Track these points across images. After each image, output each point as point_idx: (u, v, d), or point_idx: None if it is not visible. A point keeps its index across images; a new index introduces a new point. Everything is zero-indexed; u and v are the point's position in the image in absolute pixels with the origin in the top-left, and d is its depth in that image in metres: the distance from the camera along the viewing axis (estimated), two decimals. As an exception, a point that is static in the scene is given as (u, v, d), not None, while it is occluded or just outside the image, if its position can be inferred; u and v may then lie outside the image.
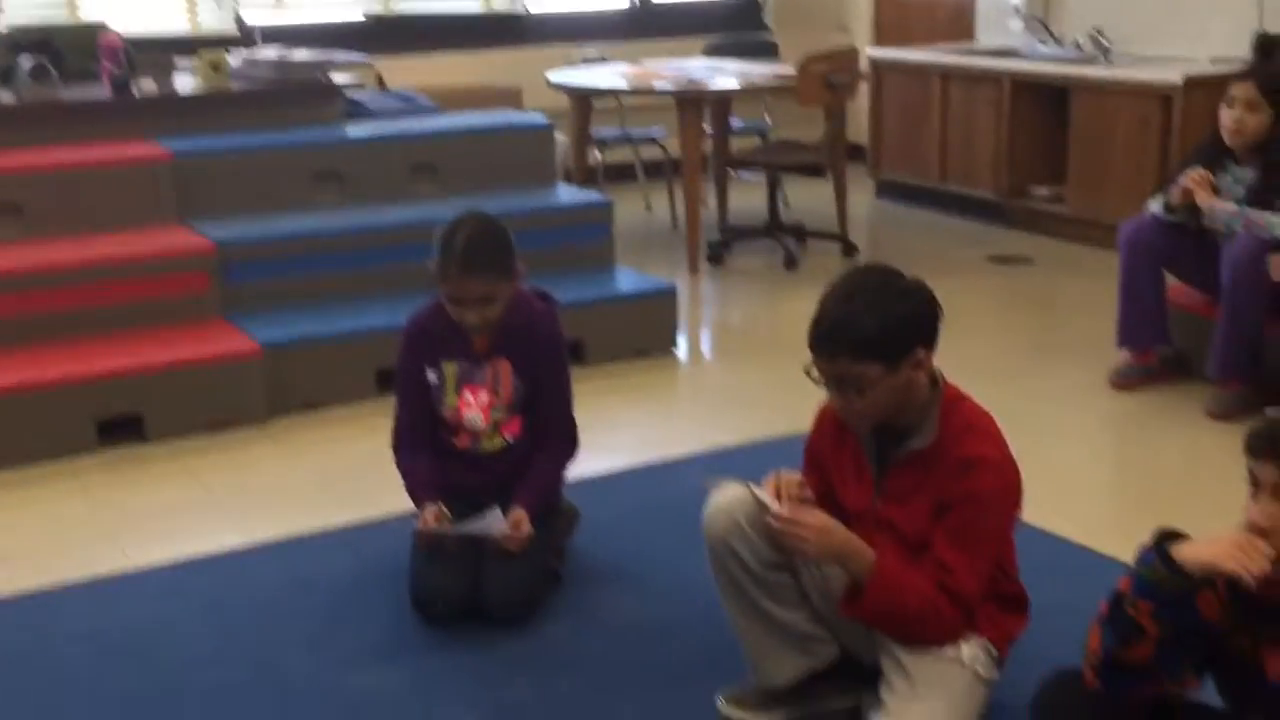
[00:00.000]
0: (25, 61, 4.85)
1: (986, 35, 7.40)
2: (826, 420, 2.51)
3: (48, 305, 4.23)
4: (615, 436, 4.09)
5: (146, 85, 5.03)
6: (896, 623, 2.33)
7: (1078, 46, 6.71)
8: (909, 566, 2.33)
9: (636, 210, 7.13)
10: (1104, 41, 6.51)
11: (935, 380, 2.38)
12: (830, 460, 2.50)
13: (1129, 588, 1.90)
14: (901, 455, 2.38)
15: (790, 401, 4.29)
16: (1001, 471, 2.34)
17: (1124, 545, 3.21)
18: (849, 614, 2.37)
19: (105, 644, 2.93)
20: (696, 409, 4.48)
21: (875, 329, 2.27)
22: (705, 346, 5.27)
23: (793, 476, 2.41)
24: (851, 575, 2.33)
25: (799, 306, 5.50)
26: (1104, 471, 3.98)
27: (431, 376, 3.09)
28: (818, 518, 2.31)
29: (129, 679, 2.79)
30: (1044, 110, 6.63)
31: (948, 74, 6.92)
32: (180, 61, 5.29)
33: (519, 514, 2.97)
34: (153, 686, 2.76)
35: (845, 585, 2.38)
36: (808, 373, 2.35)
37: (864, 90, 7.04)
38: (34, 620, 3.04)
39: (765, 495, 2.35)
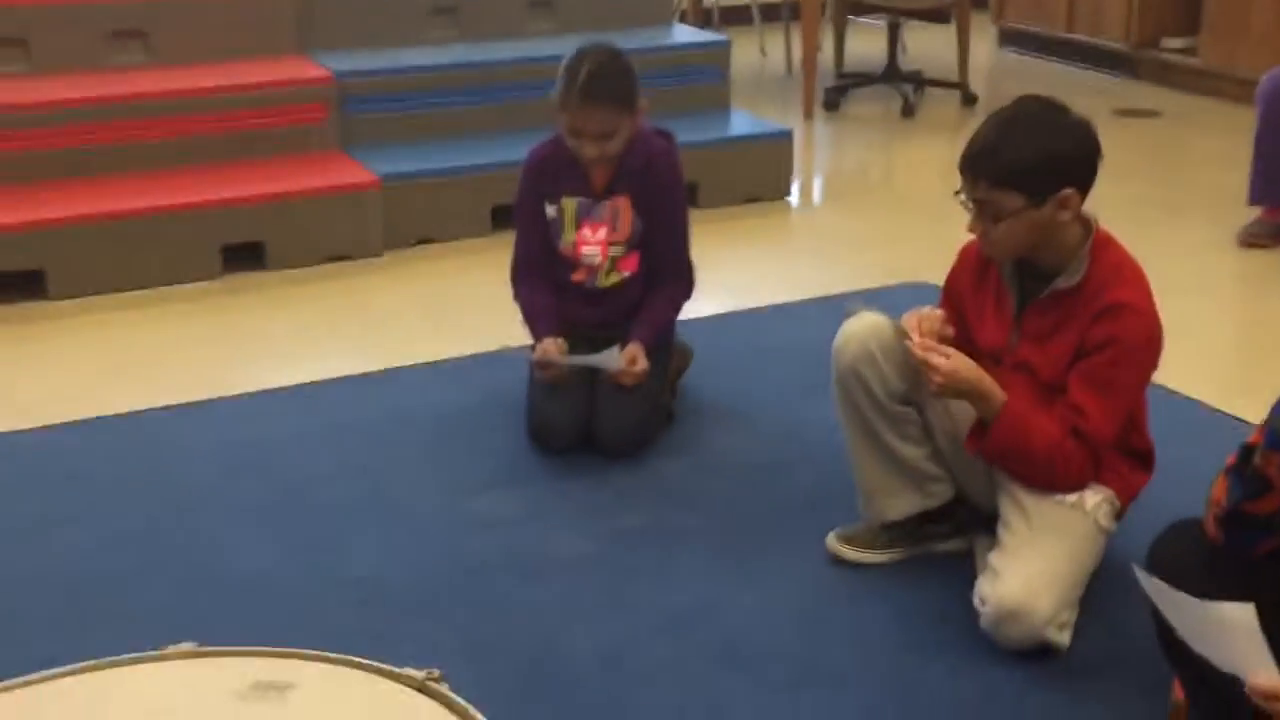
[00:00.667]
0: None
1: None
2: (970, 255, 2.48)
3: (172, 131, 4.29)
4: (728, 279, 4.09)
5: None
6: (1020, 463, 2.32)
7: (1223, -111, 6.37)
8: (1039, 409, 2.31)
9: (751, 54, 7.00)
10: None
11: (1087, 222, 2.33)
12: (969, 297, 2.47)
13: (1260, 440, 1.87)
14: (1045, 294, 2.34)
15: (904, 250, 4.26)
16: (1147, 320, 2.30)
17: (1249, 405, 3.17)
18: (973, 450, 2.36)
19: (233, 458, 3.03)
20: (809, 255, 4.45)
21: (1022, 159, 2.22)
22: (818, 193, 5.21)
23: (935, 313, 2.38)
24: (980, 411, 2.32)
25: (915, 155, 5.51)
26: (1231, 329, 3.90)
27: (550, 211, 3.10)
28: (950, 362, 2.28)
29: (254, 492, 2.90)
30: (1181, -44, 6.35)
31: (1082, -84, 6.64)
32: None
33: (635, 349, 2.99)
34: (277, 499, 2.87)
35: (973, 421, 2.37)
36: (956, 194, 2.31)
37: (992, -67, 6.79)
38: (167, 434, 3.15)
39: (917, 337, 2.34)
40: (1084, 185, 2.28)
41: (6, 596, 2.52)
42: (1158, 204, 4.79)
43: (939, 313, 2.39)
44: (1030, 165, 2.23)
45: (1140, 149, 5.52)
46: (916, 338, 2.32)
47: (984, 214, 2.27)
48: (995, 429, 2.29)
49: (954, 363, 2.28)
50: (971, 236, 2.41)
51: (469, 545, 2.69)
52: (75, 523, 2.78)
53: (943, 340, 2.34)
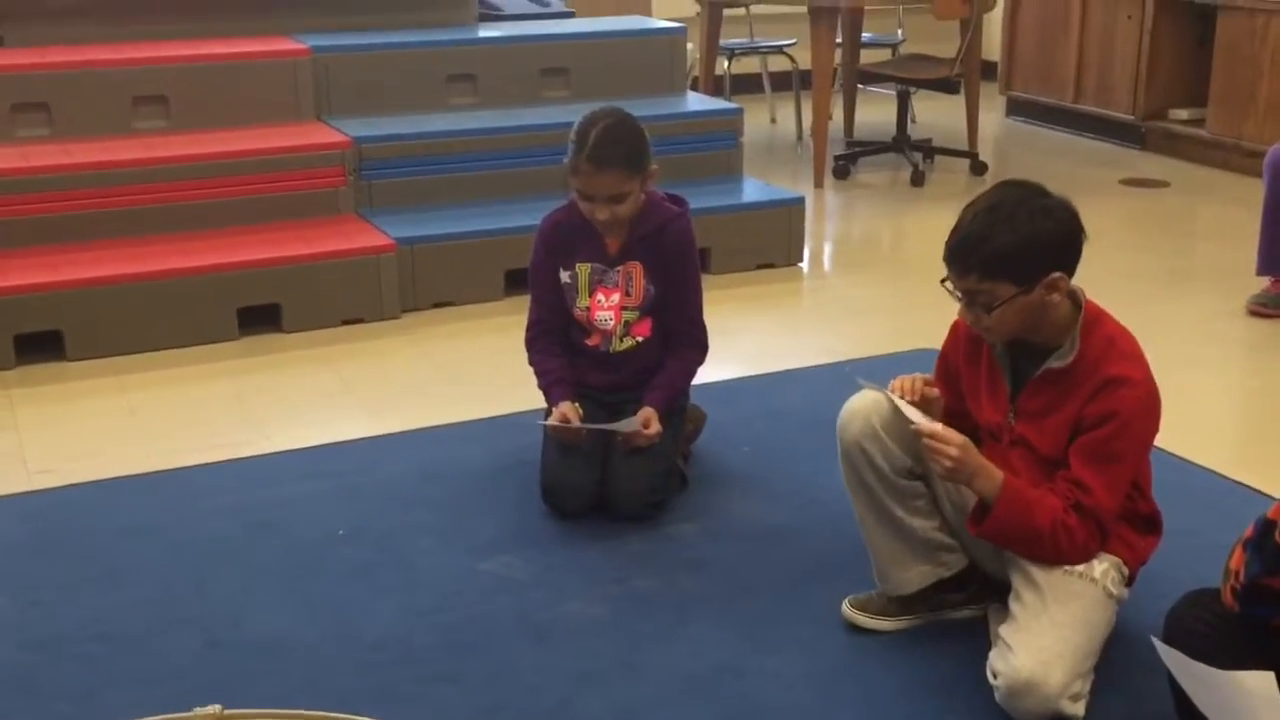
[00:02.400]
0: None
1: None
2: (961, 332, 2.49)
3: (190, 195, 4.35)
4: (739, 344, 4.12)
5: (287, -19, 5.10)
6: (1024, 542, 2.33)
7: (1228, -36, 6.47)
8: (1040, 485, 2.33)
9: (762, 122, 7.09)
10: (1256, -41, 6.27)
11: (1076, 298, 2.35)
12: (964, 373, 2.49)
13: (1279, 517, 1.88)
14: (1039, 374, 2.36)
15: (913, 317, 4.29)
16: (1143, 391, 2.31)
17: (1258, 473, 3.20)
18: (976, 533, 2.37)
19: (246, 519, 3.05)
20: (819, 321, 4.49)
21: (1010, 248, 2.23)
22: (829, 260, 5.25)
23: (919, 376, 2.40)
24: (979, 493, 2.32)
25: (924, 223, 5.56)
26: (1239, 399, 3.91)
27: (565, 276, 3.13)
28: (959, 435, 2.30)
29: (270, 553, 2.91)
30: (1187, 28, 6.44)
31: (1088, -10, 6.73)
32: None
33: (649, 412, 3.01)
34: (294, 561, 2.88)
35: (974, 503, 2.38)
36: (943, 283, 2.33)
37: (1000, 3, 6.88)
38: (180, 494, 3.17)
39: (906, 406, 2.36)
40: (1070, 266, 2.30)
41: (25, 659, 2.53)
42: (1166, 274, 4.83)
43: (924, 376, 2.40)
44: (1018, 253, 2.24)
45: (1148, 219, 5.57)
46: (919, 415, 2.34)
47: (975, 304, 2.29)
48: (997, 509, 2.30)
49: (962, 438, 2.29)
50: (960, 310, 2.43)
51: (483, 608, 2.70)
52: (93, 584, 2.79)
53: (929, 401, 2.36)
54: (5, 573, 2.83)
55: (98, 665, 2.50)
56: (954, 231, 2.31)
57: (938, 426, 2.32)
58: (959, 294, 2.32)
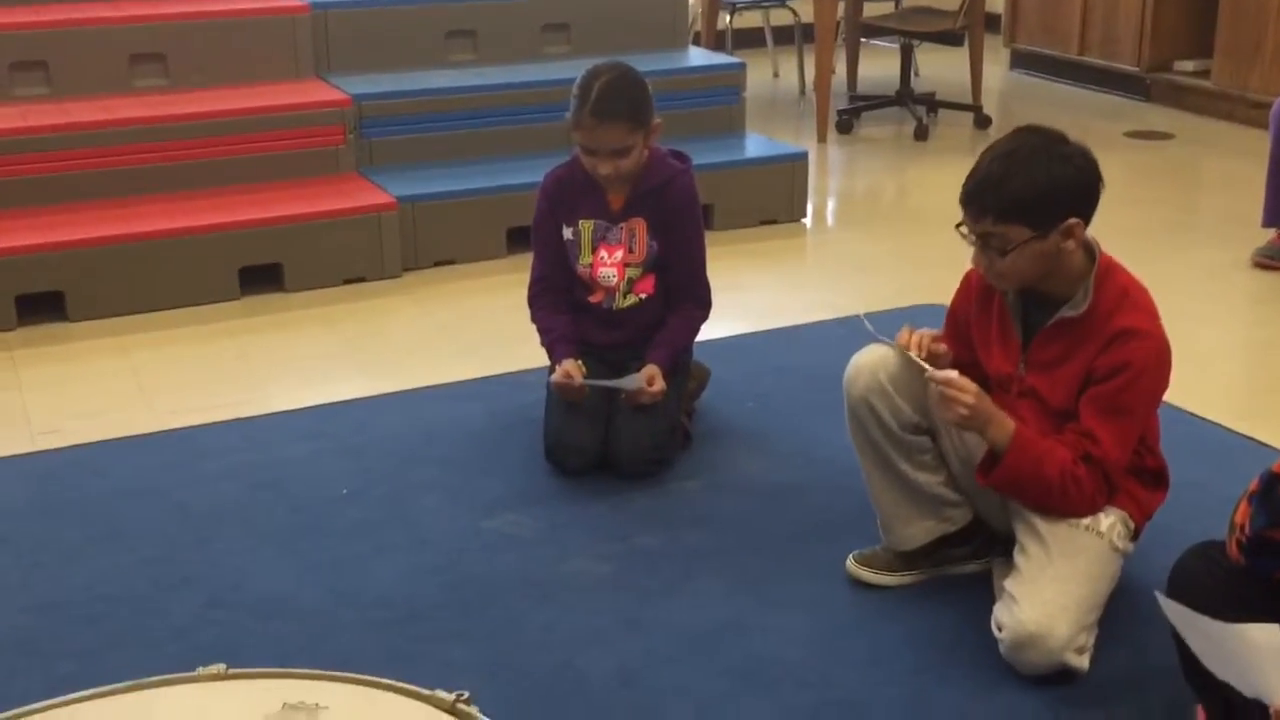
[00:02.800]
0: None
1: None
2: (973, 282, 2.48)
3: (191, 154, 4.32)
4: (743, 301, 4.11)
5: (284, -63, 5.04)
6: (1034, 492, 2.32)
7: (1235, -88, 6.40)
8: (1050, 436, 2.32)
9: (765, 77, 7.04)
10: (1264, -93, 6.20)
11: (1090, 249, 2.33)
12: (974, 324, 2.48)
13: (1286, 469, 1.87)
14: (1051, 322, 2.34)
15: (918, 272, 4.28)
16: (1155, 343, 2.30)
17: (1263, 426, 3.19)
18: (985, 482, 2.37)
19: (249, 479, 3.05)
20: (823, 276, 4.47)
21: (1026, 191, 2.22)
22: (832, 215, 5.23)
23: (927, 331, 2.39)
24: (990, 442, 2.32)
25: (928, 177, 5.53)
26: (1244, 352, 3.90)
27: (567, 233, 3.12)
28: (972, 383, 2.29)
29: (274, 513, 2.91)
30: (1192, -20, 6.38)
31: (1094, -60, 6.67)
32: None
33: (652, 370, 3.00)
34: (297, 521, 2.88)
35: (983, 453, 2.37)
36: (957, 228, 2.32)
37: (1005, -44, 6.82)
38: (183, 454, 3.17)
39: (916, 356, 2.35)
40: (1087, 214, 2.29)
41: (29, 620, 2.54)
42: (1171, 226, 4.80)
43: (930, 331, 2.39)
44: (1035, 197, 2.23)
45: (1153, 172, 5.54)
46: (914, 353, 2.33)
47: (989, 247, 2.27)
48: (1008, 458, 2.29)
49: (975, 385, 2.28)
50: (967, 264, 2.42)
51: (487, 566, 2.70)
52: (95, 544, 2.79)
53: (936, 356, 2.35)
54: (9, 534, 2.83)
55: (101, 626, 2.51)
56: (971, 174, 2.29)
57: (952, 374, 2.31)
58: (973, 238, 2.30)
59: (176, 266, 4.04)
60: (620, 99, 2.95)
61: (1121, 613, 2.40)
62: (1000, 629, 2.30)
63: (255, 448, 3.20)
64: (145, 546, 2.78)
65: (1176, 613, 1.80)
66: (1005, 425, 2.29)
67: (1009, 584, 2.34)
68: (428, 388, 3.53)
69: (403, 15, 4.86)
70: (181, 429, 3.30)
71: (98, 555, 2.75)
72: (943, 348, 2.39)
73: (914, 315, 2.80)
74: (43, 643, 2.46)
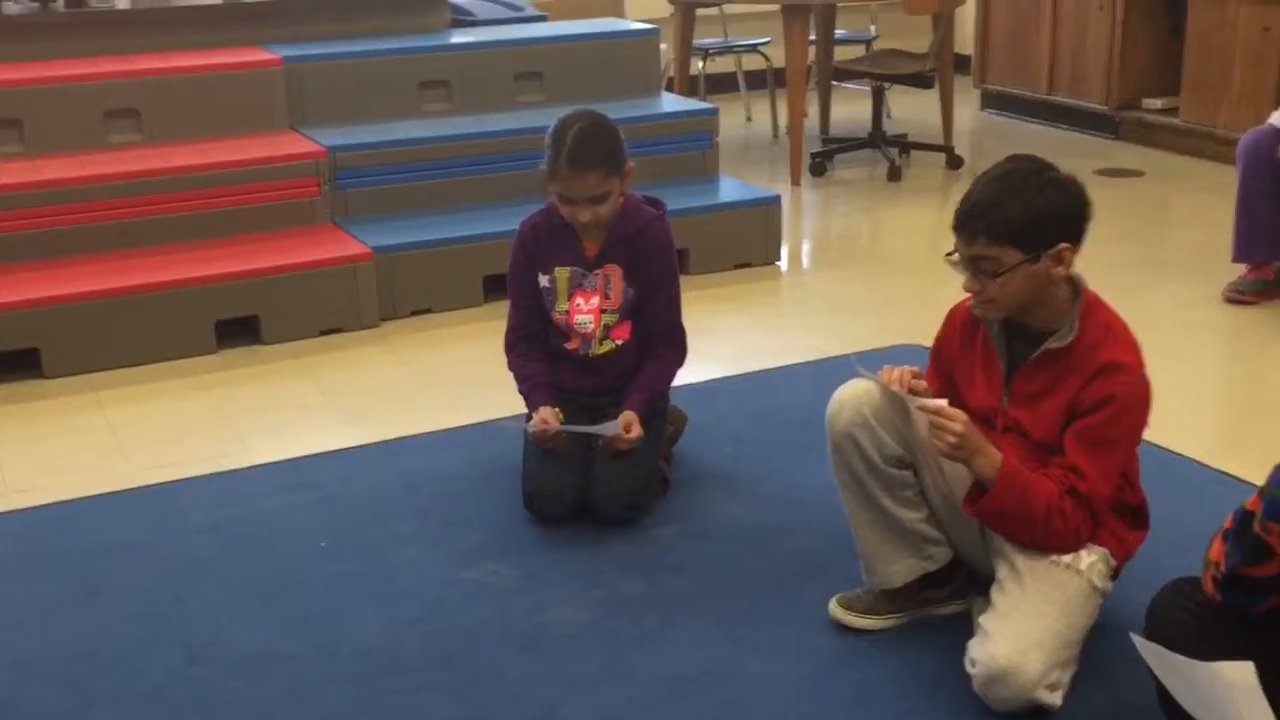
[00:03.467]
0: (140, -32, 4.92)
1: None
2: (958, 318, 2.51)
3: (166, 208, 4.33)
4: (719, 344, 4.12)
5: (257, -9, 5.08)
6: (1019, 524, 2.33)
7: (1197, -48, 6.50)
8: (1036, 470, 2.33)
9: (738, 121, 7.09)
10: (1225, -53, 6.29)
11: (1076, 283, 2.36)
12: (958, 359, 2.50)
13: (1259, 509, 1.88)
14: (1037, 354, 2.36)
15: (894, 313, 4.30)
16: (1138, 378, 2.33)
17: (1239, 461, 3.20)
18: (972, 513, 2.37)
19: (228, 534, 3.04)
20: (799, 319, 4.49)
21: (1019, 214, 2.26)
22: (807, 258, 5.25)
23: (908, 368, 2.41)
24: (977, 473, 2.32)
25: (902, 218, 5.57)
26: (1219, 387, 3.92)
27: (543, 280, 3.13)
28: (961, 412, 2.31)
29: (252, 567, 2.90)
30: (1158, 18, 6.46)
31: (1060, -19, 6.76)
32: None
33: (629, 416, 3.01)
34: (274, 575, 2.87)
35: (970, 484, 2.38)
36: (947, 256, 2.34)
37: (972, -1, 6.90)
38: (160, 510, 3.16)
39: (899, 389, 2.36)
40: (1077, 239, 2.32)
41: (9, 679, 2.51)
42: (1143, 263, 4.84)
43: (913, 369, 2.41)
44: (1028, 220, 2.26)
45: (1124, 209, 5.59)
46: (897, 388, 2.34)
47: (980, 271, 2.30)
48: (995, 489, 2.30)
49: (966, 426, 2.29)
50: (958, 299, 2.44)
51: (467, 616, 2.69)
52: (73, 602, 2.77)
53: (917, 394, 2.36)
54: (-14, 593, 2.81)
55: (80, 685, 2.49)
56: (964, 200, 2.33)
57: (941, 403, 2.32)
58: (963, 265, 2.32)
59: (152, 321, 4.03)
60: (595, 146, 2.98)
61: (1098, 650, 2.40)
62: (973, 664, 2.30)
63: (233, 501, 3.19)
64: (124, 603, 2.76)
65: (1152, 652, 1.81)
66: (993, 456, 2.30)
67: (984, 619, 2.35)
68: (407, 437, 3.53)
69: (376, 67, 4.89)
70: (159, 484, 3.28)
71: (76, 613, 2.73)
72: (923, 384, 2.40)
73: (895, 356, 2.82)
74: (23, 703, 2.43)
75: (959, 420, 2.28)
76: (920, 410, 2.32)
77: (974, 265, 2.30)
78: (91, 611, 2.73)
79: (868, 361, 2.50)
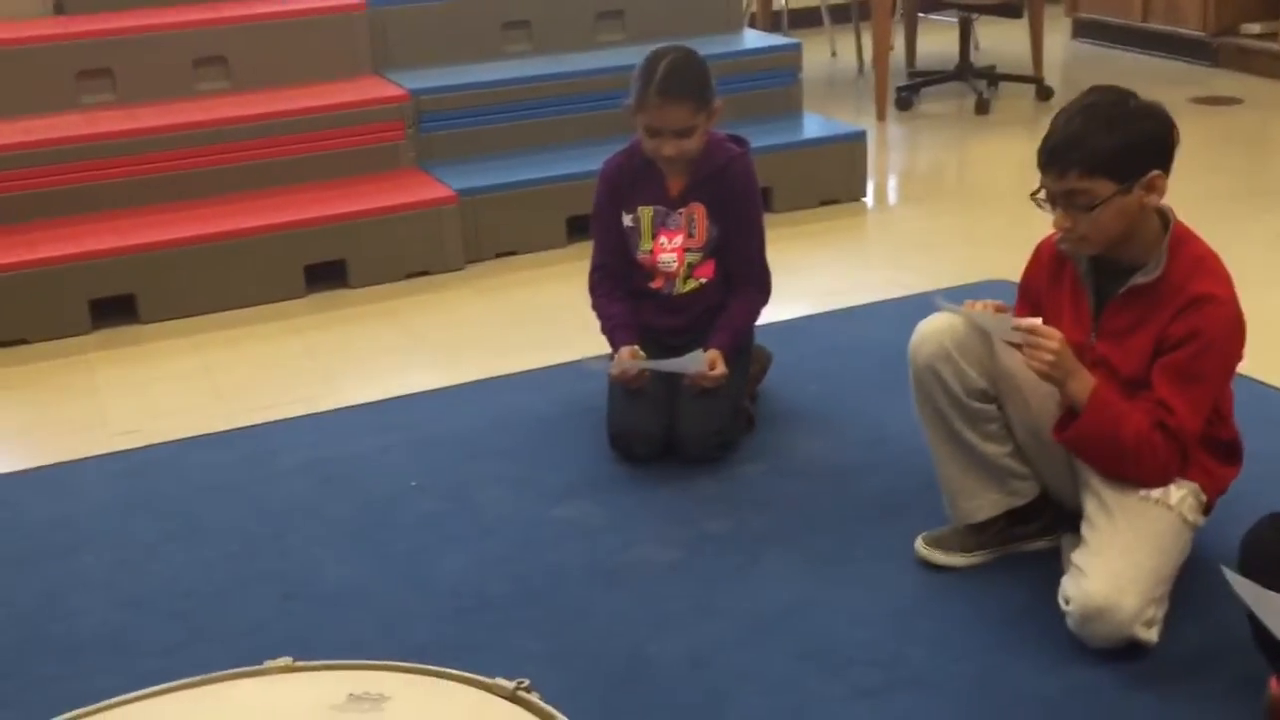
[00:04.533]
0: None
1: None
2: (1045, 253, 2.47)
3: (253, 155, 4.39)
4: (804, 282, 4.10)
5: (339, -64, 5.09)
6: (1108, 453, 2.30)
7: None
8: (1127, 401, 2.30)
9: (822, 56, 7.00)
10: None
11: (1165, 215, 2.32)
12: (1046, 295, 2.46)
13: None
14: (1124, 290, 2.32)
15: (982, 248, 4.24)
16: (1230, 311, 2.28)
17: (1338, 394, 3.12)
18: (1062, 439, 2.35)
19: (323, 474, 3.10)
20: (885, 256, 4.45)
21: (1110, 144, 2.21)
22: (893, 194, 5.19)
23: (991, 301, 2.38)
24: (1070, 397, 2.29)
25: (990, 152, 5.48)
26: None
27: (627, 220, 3.13)
28: (1056, 330, 2.28)
29: (345, 506, 2.96)
30: (1258, -60, 6.26)
31: (1156, -97, 6.56)
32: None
33: (714, 354, 3.01)
34: (367, 514, 2.92)
35: (1060, 410, 2.35)
36: (1033, 196, 2.30)
37: (1063, -76, 6.73)
38: (259, 451, 3.23)
39: (985, 316, 2.34)
40: (1167, 166, 2.27)
41: (112, 616, 2.60)
42: (1240, 193, 4.72)
43: (999, 302, 2.38)
44: (1118, 149, 2.22)
45: (1221, 138, 5.44)
46: (1002, 318, 2.32)
47: (1074, 205, 2.25)
48: (1086, 415, 2.27)
49: (1062, 345, 2.26)
50: (1045, 234, 2.40)
51: (555, 554, 2.72)
52: (172, 541, 2.85)
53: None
54: (93, 532, 2.90)
55: (182, 621, 2.56)
56: (1049, 136, 2.28)
57: (1036, 321, 2.29)
58: (1051, 202, 2.28)
59: (243, 266, 4.10)
60: (685, 79, 2.97)
61: (1192, 586, 2.38)
62: (1068, 602, 2.28)
63: (325, 443, 3.25)
64: (222, 542, 2.83)
65: (1244, 588, 1.78)
66: (1086, 381, 2.27)
67: (1077, 556, 2.33)
68: (493, 379, 3.56)
69: (457, 9, 4.89)
70: (254, 426, 3.36)
71: (177, 552, 2.81)
72: (1008, 314, 2.37)
73: (980, 290, 2.79)
74: (129, 639, 2.52)
75: (1055, 338, 2.26)
76: (1015, 331, 2.29)
77: (1066, 200, 2.26)
78: (192, 550, 2.81)
79: (952, 298, 2.48)
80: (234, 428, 3.35)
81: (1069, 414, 2.33)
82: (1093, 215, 2.24)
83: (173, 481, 3.10)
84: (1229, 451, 2.44)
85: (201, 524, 2.91)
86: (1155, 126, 2.26)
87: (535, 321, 3.95)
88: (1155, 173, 2.24)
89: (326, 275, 4.22)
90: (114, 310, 4.02)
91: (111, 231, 4.09)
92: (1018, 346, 2.31)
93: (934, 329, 2.45)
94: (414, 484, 3.03)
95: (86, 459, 3.23)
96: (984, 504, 2.52)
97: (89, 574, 2.75)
